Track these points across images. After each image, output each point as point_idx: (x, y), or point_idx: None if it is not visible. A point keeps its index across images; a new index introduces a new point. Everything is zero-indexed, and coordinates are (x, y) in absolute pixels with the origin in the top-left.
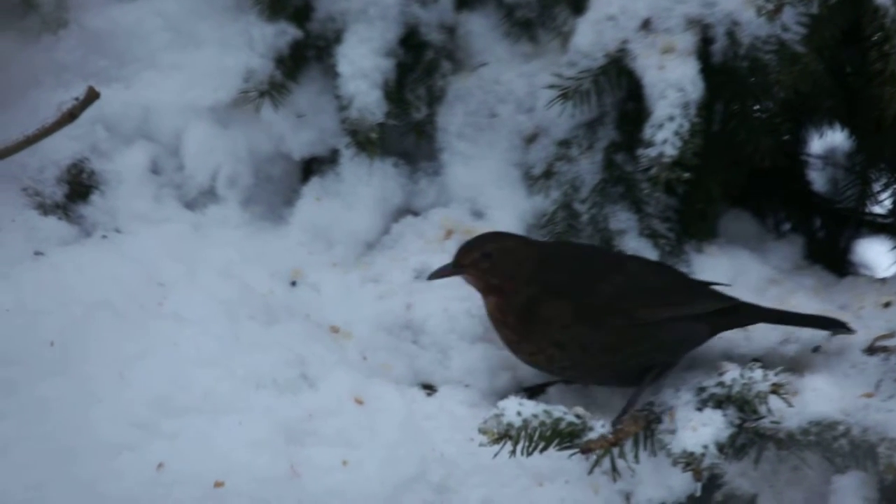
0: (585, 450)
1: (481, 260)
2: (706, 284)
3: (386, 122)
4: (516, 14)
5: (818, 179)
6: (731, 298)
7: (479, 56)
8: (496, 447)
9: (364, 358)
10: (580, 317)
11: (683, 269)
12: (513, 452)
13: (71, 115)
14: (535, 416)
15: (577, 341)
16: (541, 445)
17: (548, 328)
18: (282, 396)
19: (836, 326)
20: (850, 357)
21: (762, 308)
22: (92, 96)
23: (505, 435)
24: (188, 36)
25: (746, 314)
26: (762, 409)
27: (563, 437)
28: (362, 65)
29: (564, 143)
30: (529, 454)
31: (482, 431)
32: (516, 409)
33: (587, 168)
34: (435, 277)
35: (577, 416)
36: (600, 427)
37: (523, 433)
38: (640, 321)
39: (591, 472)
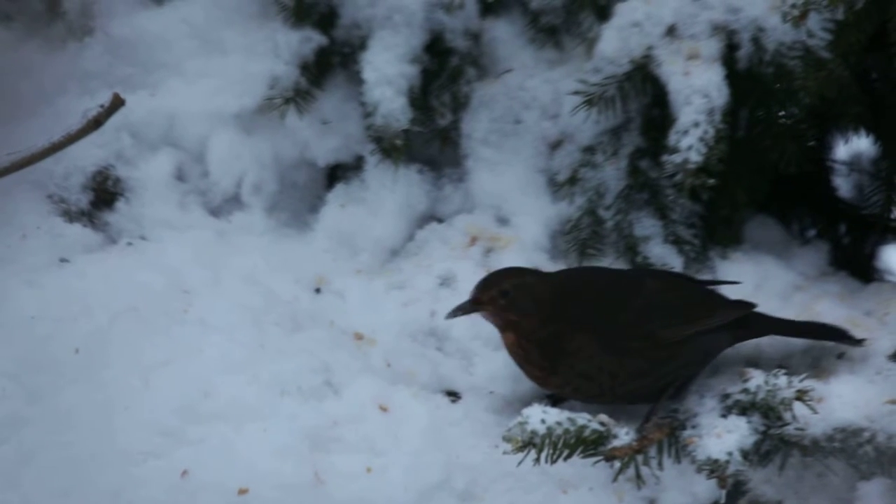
0: (610, 457)
1: (499, 297)
2: (711, 283)
3: (411, 128)
4: (541, 20)
5: (843, 185)
6: (746, 305)
7: (504, 62)
8: (520, 455)
9: (388, 365)
10: (605, 347)
11: (708, 276)
12: (537, 460)
13: (96, 123)
14: (559, 423)
15: (605, 371)
16: (565, 453)
17: (574, 361)
18: (306, 403)
19: (845, 338)
20: (875, 363)
21: (772, 319)
22: (117, 103)
23: (529, 443)
24: (213, 43)
25: (758, 326)
26: (787, 416)
27: (588, 444)
28: (387, 71)
29: (589, 150)
30: (554, 462)
31: (506, 439)
32: (540, 416)
33: (612, 174)
34: (453, 316)
35: (601, 424)
36: (624, 434)
37: (547, 441)
38: (664, 342)
39: (615, 479)
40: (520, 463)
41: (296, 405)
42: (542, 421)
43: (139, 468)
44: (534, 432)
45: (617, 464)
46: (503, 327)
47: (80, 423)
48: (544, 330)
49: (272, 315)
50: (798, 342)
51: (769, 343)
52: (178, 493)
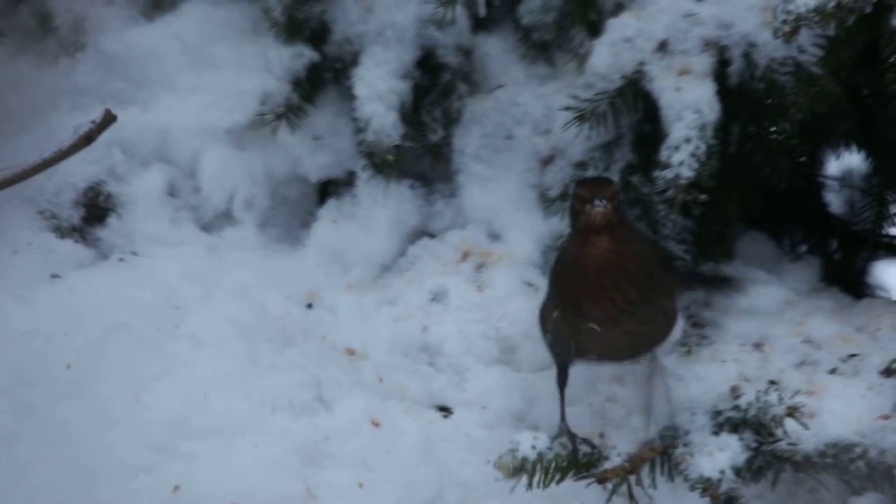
0: (602, 480)
1: (616, 195)
2: None
3: (402, 144)
4: (533, 36)
5: (835, 201)
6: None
7: (496, 78)
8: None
9: (380, 380)
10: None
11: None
12: (529, 486)
13: (88, 138)
14: (550, 448)
15: (662, 314)
16: (557, 476)
17: (657, 296)
18: (298, 419)
19: (728, 285)
20: (867, 379)
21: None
22: (109, 119)
23: (520, 469)
24: (205, 59)
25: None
26: (778, 432)
27: (580, 467)
28: (379, 87)
29: (581, 165)
30: (546, 486)
31: (497, 467)
32: (531, 442)
33: None
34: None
35: (592, 447)
36: (616, 456)
37: (539, 466)
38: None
39: (609, 500)
40: (513, 489)
41: (287, 420)
42: (533, 447)
43: (131, 483)
44: (525, 459)
45: (610, 485)
46: (602, 228)
47: (73, 439)
48: (635, 245)
49: (264, 330)
50: (790, 357)
51: (761, 358)
52: None
